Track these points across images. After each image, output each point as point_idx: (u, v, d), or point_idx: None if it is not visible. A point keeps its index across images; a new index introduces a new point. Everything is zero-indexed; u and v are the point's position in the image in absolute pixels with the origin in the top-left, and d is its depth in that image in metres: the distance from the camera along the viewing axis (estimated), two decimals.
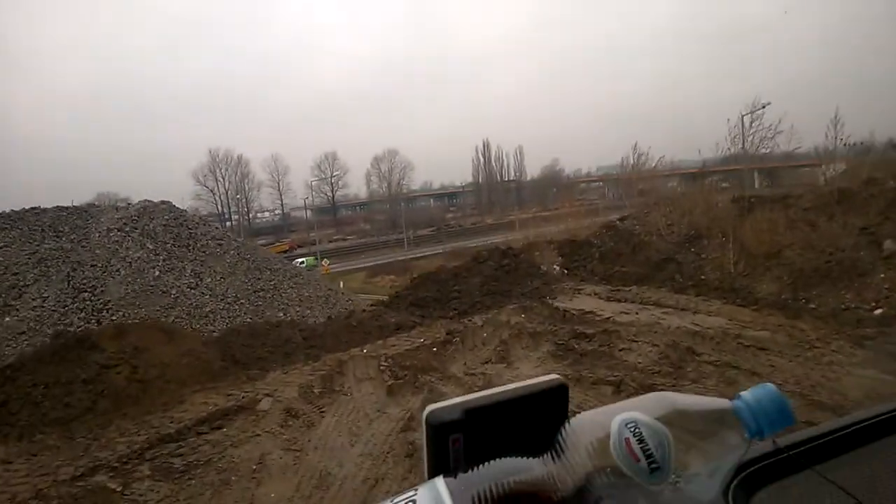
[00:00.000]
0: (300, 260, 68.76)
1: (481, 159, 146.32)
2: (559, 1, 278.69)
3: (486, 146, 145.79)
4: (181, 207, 24.22)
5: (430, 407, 0.77)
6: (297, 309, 19.72)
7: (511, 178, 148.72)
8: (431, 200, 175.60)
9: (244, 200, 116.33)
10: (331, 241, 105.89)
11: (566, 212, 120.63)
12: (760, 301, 11.10)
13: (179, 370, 8.57)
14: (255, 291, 19.90)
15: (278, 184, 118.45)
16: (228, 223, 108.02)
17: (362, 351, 9.74)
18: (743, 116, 28.09)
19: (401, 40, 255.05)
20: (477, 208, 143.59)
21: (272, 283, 20.59)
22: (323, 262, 53.77)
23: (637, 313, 10.91)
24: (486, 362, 8.54)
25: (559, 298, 13.11)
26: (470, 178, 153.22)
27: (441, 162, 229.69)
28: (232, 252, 21.13)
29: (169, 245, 20.16)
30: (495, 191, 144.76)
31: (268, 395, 7.92)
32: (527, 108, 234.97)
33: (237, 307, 18.96)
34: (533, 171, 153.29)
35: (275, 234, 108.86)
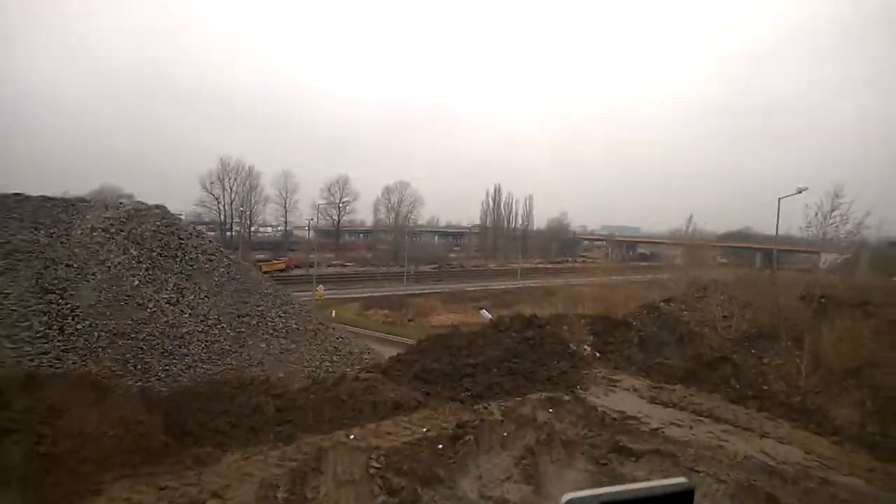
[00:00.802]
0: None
1: (491, 203, 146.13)
2: (583, 76, 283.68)
3: (498, 191, 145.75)
4: (178, 213, 22.69)
5: (569, 495, 0.93)
6: (282, 342, 18.06)
7: (518, 226, 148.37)
8: (436, 237, 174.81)
9: (248, 213, 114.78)
10: (329, 266, 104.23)
11: (569, 267, 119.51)
12: (840, 431, 9.34)
13: (104, 444, 6.52)
14: (239, 316, 18.27)
15: (285, 200, 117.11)
16: (229, 234, 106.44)
17: (349, 437, 7.95)
18: (780, 199, 26.91)
19: (432, 77, 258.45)
20: (481, 251, 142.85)
21: (259, 308, 18.97)
22: (318, 289, 51.99)
23: (691, 427, 9.50)
24: (508, 479, 6.84)
25: (592, 390, 11.59)
26: (477, 220, 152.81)
27: (450, 200, 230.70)
28: (222, 270, 19.57)
29: (154, 253, 18.61)
30: (501, 236, 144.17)
31: (215, 495, 6.10)
32: (542, 160, 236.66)
33: (217, 331, 17.30)
34: (540, 221, 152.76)
35: (274, 251, 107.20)
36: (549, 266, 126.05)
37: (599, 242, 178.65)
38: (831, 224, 16.76)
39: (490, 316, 25.57)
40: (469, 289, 76.36)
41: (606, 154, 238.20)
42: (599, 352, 15.40)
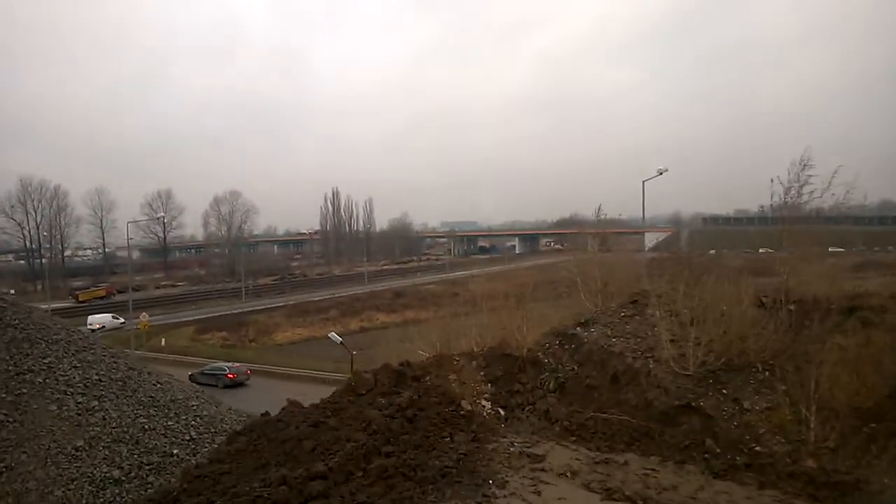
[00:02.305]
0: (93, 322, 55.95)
1: (330, 208, 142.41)
2: (414, 69, 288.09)
3: (336, 195, 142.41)
4: None
5: None
6: (80, 399, 14.46)
7: (360, 229, 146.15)
8: (276, 247, 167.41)
9: (59, 237, 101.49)
10: (158, 287, 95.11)
11: (414, 266, 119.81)
12: None
13: None
14: (18, 374, 14.37)
15: (101, 220, 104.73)
16: (38, 261, 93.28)
17: None
18: (645, 183, 27.32)
19: (255, 81, 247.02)
20: (324, 257, 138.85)
21: (47, 360, 15.13)
22: (141, 317, 46.14)
23: None
24: None
25: (512, 485, 8.01)
26: (317, 226, 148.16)
27: (288, 207, 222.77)
28: None
29: None
30: (343, 240, 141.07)
31: None
32: (379, 161, 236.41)
33: None
34: (381, 222, 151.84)
35: (94, 277, 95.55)
36: (396, 267, 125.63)
37: (441, 239, 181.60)
38: (807, 197, 12.56)
39: (340, 339, 22.92)
40: (315, 299, 72.74)
41: (438, 151, 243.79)
42: (504, 407, 11.80)
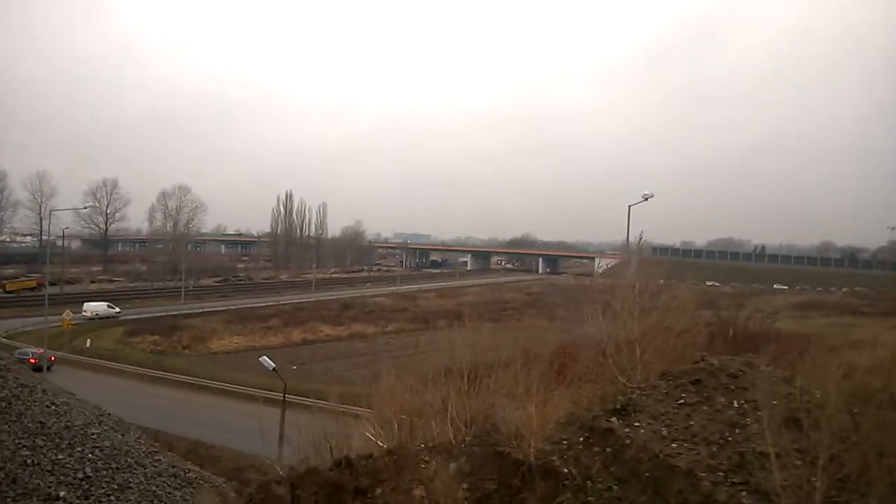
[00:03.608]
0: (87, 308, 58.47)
1: (282, 210, 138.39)
2: (377, 78, 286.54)
3: (289, 197, 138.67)
4: None
5: None
6: None
7: (311, 234, 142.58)
8: (223, 246, 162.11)
9: None
10: (94, 282, 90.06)
11: (365, 276, 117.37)
12: None
13: None
14: None
15: (40, 206, 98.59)
16: None
17: None
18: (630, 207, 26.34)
19: (209, 75, 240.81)
20: (272, 260, 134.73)
21: None
22: (64, 315, 42.72)
23: None
24: None
25: None
26: (268, 229, 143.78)
27: (239, 207, 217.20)
28: None
29: None
30: (293, 245, 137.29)
31: None
32: (336, 167, 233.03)
33: None
34: (335, 230, 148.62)
35: (29, 265, 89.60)
36: (345, 276, 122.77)
37: (393, 250, 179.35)
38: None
39: (272, 365, 20.65)
40: (258, 305, 69.62)
41: (396, 163, 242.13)
42: None
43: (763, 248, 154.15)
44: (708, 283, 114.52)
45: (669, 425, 8.25)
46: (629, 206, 26.66)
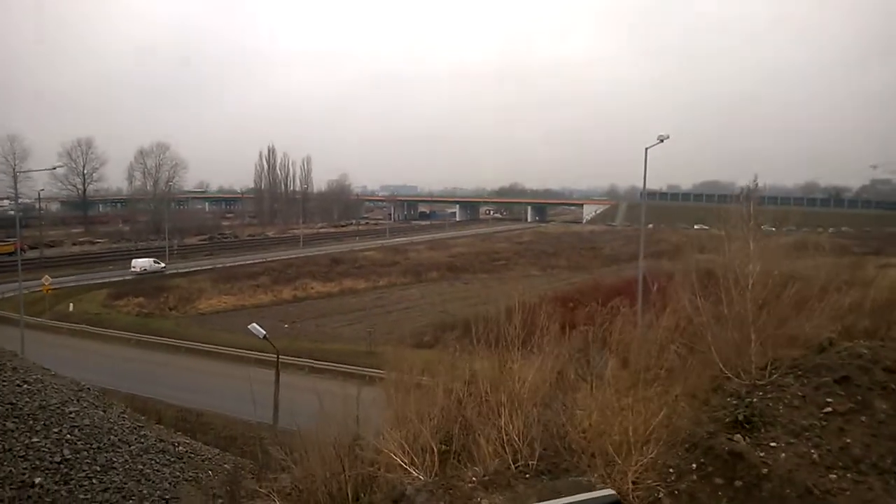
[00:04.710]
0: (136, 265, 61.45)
1: (265, 165, 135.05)
2: (361, 29, 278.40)
3: (272, 152, 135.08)
4: None
5: None
6: None
7: (297, 189, 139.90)
8: (207, 204, 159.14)
9: None
10: (75, 244, 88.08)
11: (353, 230, 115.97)
12: None
13: None
14: None
15: (14, 169, 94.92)
16: None
17: None
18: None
19: (185, 26, 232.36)
20: (257, 217, 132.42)
21: None
22: (43, 280, 41.30)
23: None
24: None
25: None
26: (251, 184, 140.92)
27: (222, 163, 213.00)
28: None
29: None
30: (279, 200, 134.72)
31: None
32: (321, 120, 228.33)
33: None
34: (320, 184, 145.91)
35: (7, 230, 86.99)
36: (333, 230, 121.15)
37: (381, 203, 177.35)
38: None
39: (263, 332, 19.53)
40: (245, 263, 68.29)
41: (382, 115, 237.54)
42: None
43: (751, 188, 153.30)
44: (696, 227, 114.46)
45: (818, 445, 5.81)
46: (646, 149, 25.68)
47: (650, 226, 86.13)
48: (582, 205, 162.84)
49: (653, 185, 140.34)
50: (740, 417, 6.08)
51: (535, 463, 6.05)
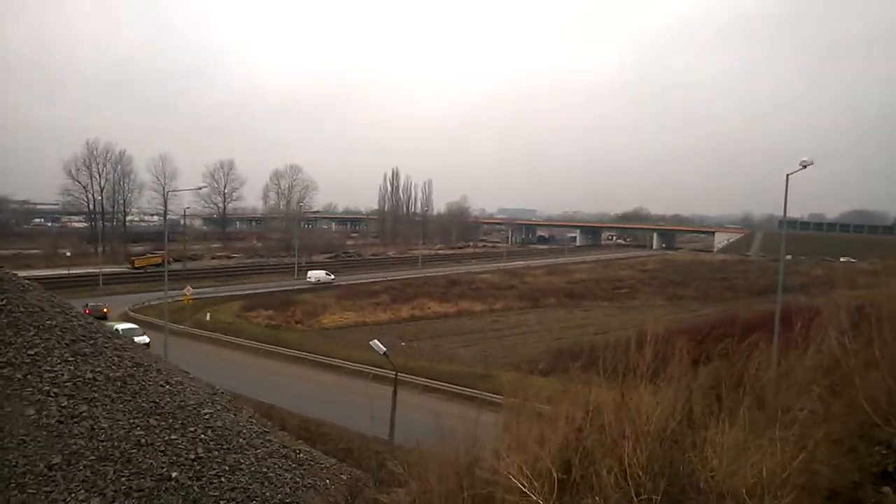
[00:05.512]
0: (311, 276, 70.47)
1: (389, 187, 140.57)
2: (486, 52, 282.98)
3: (396, 175, 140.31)
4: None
5: None
6: (65, 403, 11.82)
7: (417, 211, 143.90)
8: (333, 224, 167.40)
9: (122, 201, 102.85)
10: (214, 258, 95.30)
11: (470, 252, 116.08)
12: None
13: None
14: None
15: (164, 188, 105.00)
16: (101, 224, 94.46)
17: None
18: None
19: (327, 57, 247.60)
20: (380, 237, 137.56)
21: (32, 352, 12.57)
22: (186, 291, 44.66)
23: None
24: None
25: None
26: (375, 206, 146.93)
27: (349, 185, 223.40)
28: None
29: None
30: (400, 221, 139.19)
31: None
32: (441, 144, 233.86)
33: None
34: (440, 205, 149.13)
35: (156, 243, 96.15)
36: (451, 252, 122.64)
37: (499, 226, 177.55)
38: None
39: (383, 349, 19.53)
40: (367, 280, 70.49)
41: (503, 137, 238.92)
42: None
43: None
44: (842, 259, 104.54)
45: None
46: (787, 175, 23.46)
47: (789, 257, 79.38)
48: (713, 232, 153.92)
49: (793, 213, 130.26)
50: (890, 469, 5.24)
51: (658, 498, 5.25)
